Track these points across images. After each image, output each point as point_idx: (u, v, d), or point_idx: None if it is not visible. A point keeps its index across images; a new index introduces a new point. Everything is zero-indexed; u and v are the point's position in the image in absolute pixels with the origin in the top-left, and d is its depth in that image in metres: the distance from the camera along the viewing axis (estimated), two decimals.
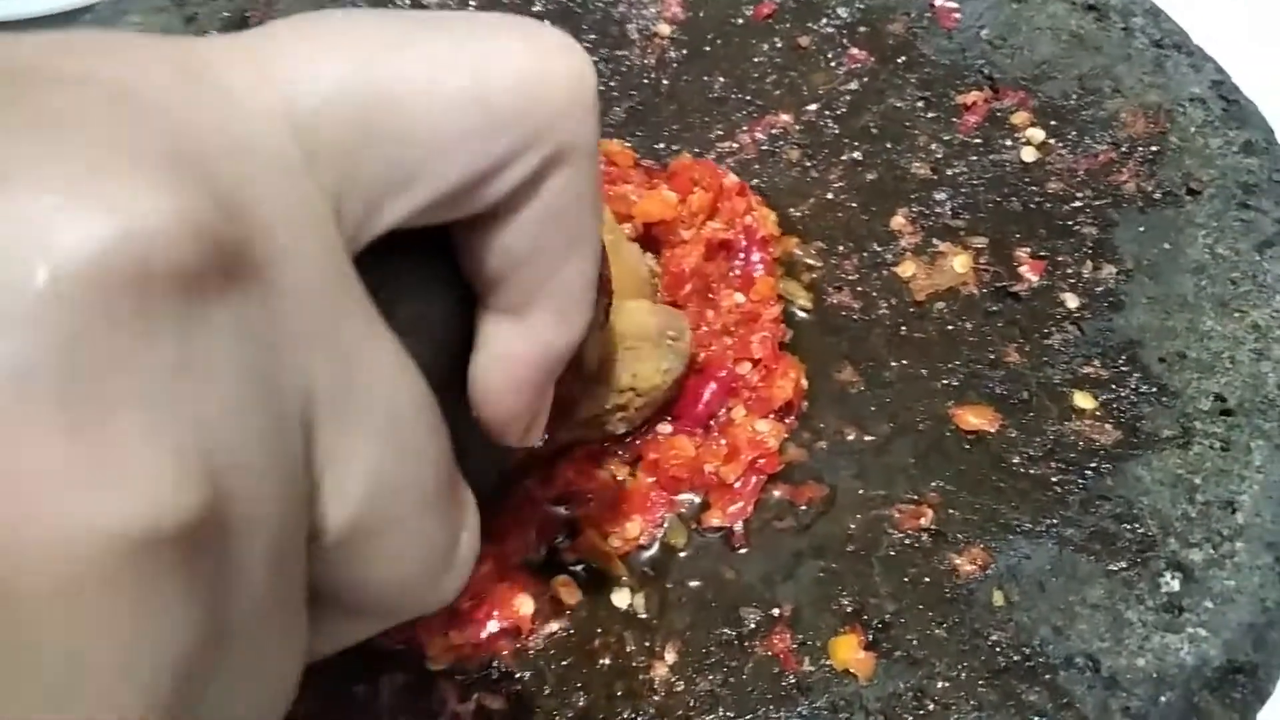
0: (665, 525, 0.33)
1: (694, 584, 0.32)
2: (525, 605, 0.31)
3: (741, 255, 0.36)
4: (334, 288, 0.15)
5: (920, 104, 0.41)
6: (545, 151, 0.18)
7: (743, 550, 0.32)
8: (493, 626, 0.30)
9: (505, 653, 0.30)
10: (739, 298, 0.35)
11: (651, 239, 0.35)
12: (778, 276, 0.36)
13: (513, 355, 0.20)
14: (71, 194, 0.11)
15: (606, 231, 0.26)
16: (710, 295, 0.35)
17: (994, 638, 0.30)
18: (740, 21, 0.43)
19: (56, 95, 0.13)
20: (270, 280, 0.14)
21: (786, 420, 0.34)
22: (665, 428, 0.33)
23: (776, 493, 0.33)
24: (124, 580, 0.11)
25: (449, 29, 0.17)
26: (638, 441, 0.33)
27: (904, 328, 0.36)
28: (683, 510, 0.33)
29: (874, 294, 0.37)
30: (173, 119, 0.13)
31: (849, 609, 0.31)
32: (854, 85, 0.41)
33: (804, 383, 0.35)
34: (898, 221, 0.38)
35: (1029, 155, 0.39)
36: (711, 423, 0.34)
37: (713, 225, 0.35)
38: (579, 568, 0.32)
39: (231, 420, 0.13)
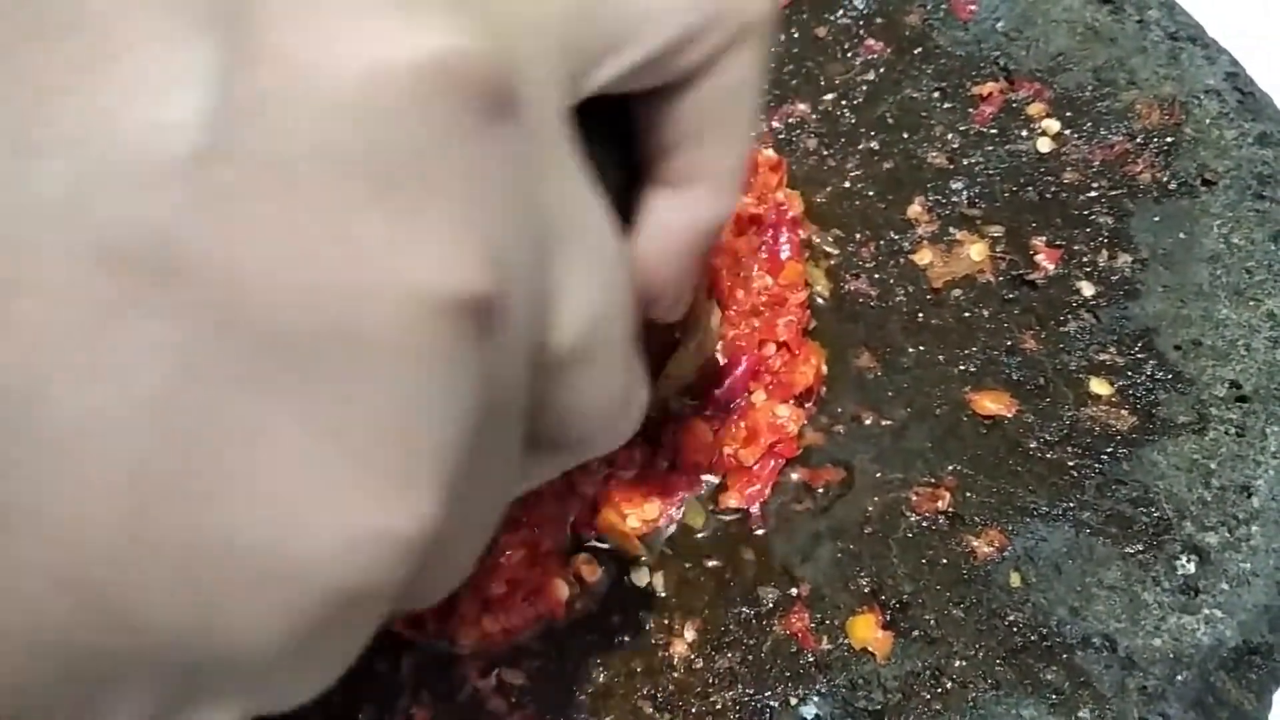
0: (683, 506, 0.33)
1: (712, 564, 0.32)
2: (561, 590, 0.31)
3: (770, 233, 0.36)
4: (564, 136, 0.17)
5: (936, 95, 0.41)
6: (731, 28, 0.19)
7: (760, 531, 0.33)
8: (527, 612, 0.31)
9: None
10: (768, 280, 0.35)
11: None
12: (805, 261, 0.37)
13: (671, 225, 0.21)
14: (399, 19, 0.13)
15: None
16: (740, 273, 0.35)
17: (1011, 618, 0.30)
18: None
19: None
20: (525, 119, 0.15)
21: (806, 406, 0.34)
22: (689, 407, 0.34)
23: (794, 475, 0.34)
24: (439, 337, 0.13)
25: None
26: (658, 423, 0.34)
27: (921, 314, 0.36)
28: (700, 492, 0.33)
29: (891, 281, 0.37)
30: None
31: (867, 589, 0.31)
32: (870, 75, 0.42)
33: (824, 368, 0.35)
34: (914, 210, 0.38)
35: (1045, 146, 0.39)
36: (731, 406, 0.34)
37: (744, 199, 0.36)
38: (598, 545, 0.32)
39: (504, 228, 0.15)
